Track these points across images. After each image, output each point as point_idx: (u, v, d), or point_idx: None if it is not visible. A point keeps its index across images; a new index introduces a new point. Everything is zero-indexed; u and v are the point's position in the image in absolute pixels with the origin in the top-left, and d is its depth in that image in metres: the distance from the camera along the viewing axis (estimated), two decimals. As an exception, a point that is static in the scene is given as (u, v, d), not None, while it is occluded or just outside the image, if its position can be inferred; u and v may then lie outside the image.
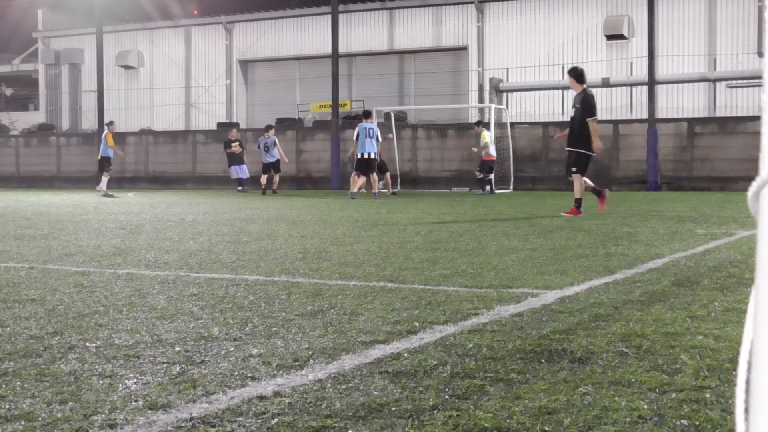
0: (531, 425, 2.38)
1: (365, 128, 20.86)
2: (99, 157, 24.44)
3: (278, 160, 25.28)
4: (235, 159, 26.17)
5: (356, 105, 33.37)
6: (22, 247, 7.79)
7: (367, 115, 21.57)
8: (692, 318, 3.99)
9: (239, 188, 26.15)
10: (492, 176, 23.88)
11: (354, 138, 21.41)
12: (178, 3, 38.11)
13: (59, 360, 3.18)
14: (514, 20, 31.52)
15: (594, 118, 12.45)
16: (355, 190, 20.73)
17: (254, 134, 31.39)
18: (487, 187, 23.76)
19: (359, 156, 20.80)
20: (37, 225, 10.79)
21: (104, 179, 24.00)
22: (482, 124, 24.76)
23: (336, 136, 29.04)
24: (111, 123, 25.01)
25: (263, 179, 25.39)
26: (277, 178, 25.47)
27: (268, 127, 25.56)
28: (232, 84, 36.56)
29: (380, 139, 21.09)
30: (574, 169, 12.55)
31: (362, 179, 20.78)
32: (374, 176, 21.11)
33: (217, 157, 31.39)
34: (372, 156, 20.79)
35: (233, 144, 26.13)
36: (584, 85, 12.65)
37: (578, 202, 12.39)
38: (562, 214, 12.48)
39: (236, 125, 32.31)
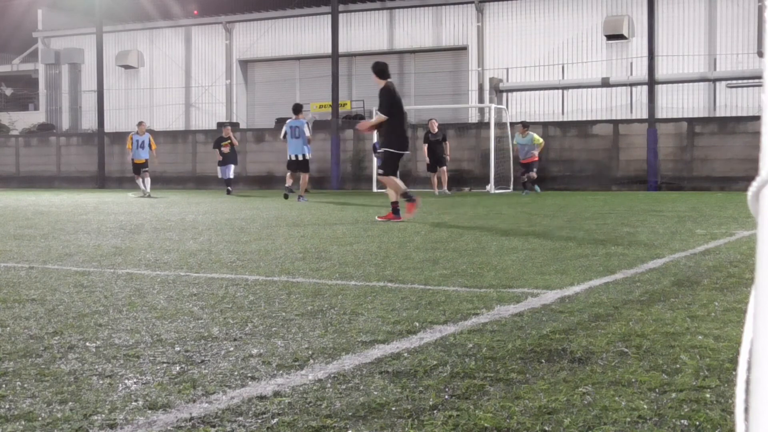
0: (531, 425, 2.38)
1: (291, 127, 19.21)
2: (142, 161, 23.64)
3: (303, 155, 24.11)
4: (225, 158, 25.45)
5: (356, 105, 33.37)
6: (22, 247, 7.79)
7: (296, 110, 19.48)
8: (692, 318, 3.99)
9: (229, 189, 25.69)
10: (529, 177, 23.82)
11: (281, 136, 19.74)
12: (178, 3, 38.08)
13: (59, 360, 3.18)
14: (514, 20, 31.51)
15: (381, 115, 11.68)
16: (288, 184, 19.54)
17: (254, 134, 31.40)
18: (520, 187, 23.60)
19: (288, 158, 19.32)
20: (37, 225, 10.78)
21: (147, 181, 23.88)
22: (527, 125, 24.26)
23: (336, 136, 29.03)
24: (140, 123, 24.08)
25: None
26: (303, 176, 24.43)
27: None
28: (232, 84, 36.55)
29: (309, 134, 19.29)
30: (380, 171, 11.66)
31: (303, 176, 19.35)
32: (304, 177, 19.34)
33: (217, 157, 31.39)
34: (300, 157, 19.13)
35: (223, 144, 25.37)
36: (386, 80, 11.84)
37: (395, 206, 11.39)
38: (376, 218, 11.55)
39: (236, 125, 32.28)
